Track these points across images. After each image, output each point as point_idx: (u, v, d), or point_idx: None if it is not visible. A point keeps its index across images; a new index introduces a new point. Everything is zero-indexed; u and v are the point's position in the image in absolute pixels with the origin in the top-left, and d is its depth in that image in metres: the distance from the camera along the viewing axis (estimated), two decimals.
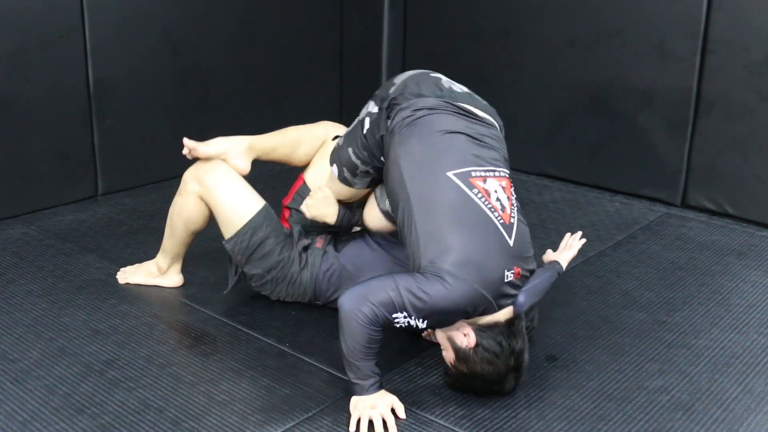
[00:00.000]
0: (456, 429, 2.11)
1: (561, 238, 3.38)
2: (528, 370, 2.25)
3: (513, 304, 2.18)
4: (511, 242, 2.16)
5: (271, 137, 2.77)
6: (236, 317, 2.65)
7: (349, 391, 2.16)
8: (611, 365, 2.43)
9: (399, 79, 2.47)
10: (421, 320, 2.07)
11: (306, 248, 2.61)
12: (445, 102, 2.34)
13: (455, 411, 2.18)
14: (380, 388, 2.14)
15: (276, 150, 2.76)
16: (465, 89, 2.49)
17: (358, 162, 2.43)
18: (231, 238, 2.57)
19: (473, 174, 2.19)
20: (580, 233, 2.63)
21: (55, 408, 2.16)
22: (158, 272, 2.85)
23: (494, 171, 2.24)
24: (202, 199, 2.62)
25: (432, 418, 2.15)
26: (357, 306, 2.04)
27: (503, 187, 2.24)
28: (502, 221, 2.17)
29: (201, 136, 2.75)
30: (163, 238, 2.79)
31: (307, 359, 2.42)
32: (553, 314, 2.69)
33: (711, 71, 3.59)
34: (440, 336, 2.23)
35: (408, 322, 2.07)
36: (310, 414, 2.15)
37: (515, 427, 2.12)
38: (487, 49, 4.27)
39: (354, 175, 2.47)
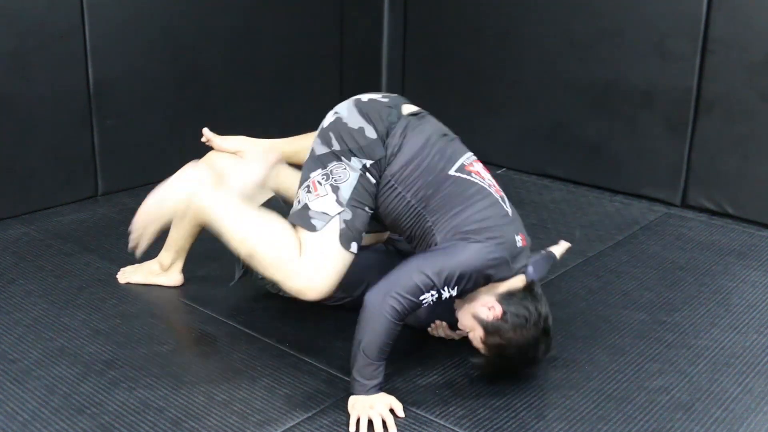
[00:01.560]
0: (456, 429, 2.11)
1: (561, 238, 3.38)
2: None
3: (524, 272, 2.25)
4: (510, 212, 2.29)
5: (292, 141, 2.77)
6: (236, 317, 2.65)
7: (349, 390, 2.16)
8: (611, 365, 2.43)
9: (349, 125, 2.28)
10: (451, 288, 2.13)
11: None
12: (405, 119, 2.31)
13: (455, 411, 2.18)
14: (379, 391, 2.15)
15: (298, 154, 2.74)
16: (383, 95, 2.42)
17: (365, 221, 2.28)
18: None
19: (465, 163, 2.32)
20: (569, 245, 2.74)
21: (55, 408, 2.16)
22: (160, 270, 2.85)
23: (471, 156, 2.37)
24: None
25: (432, 418, 2.15)
26: (384, 300, 2.09)
27: (483, 168, 2.39)
28: (499, 195, 2.32)
29: (201, 136, 2.75)
30: (169, 232, 2.78)
31: (307, 359, 2.42)
32: (553, 314, 2.68)
33: (711, 71, 3.59)
34: (465, 318, 2.25)
35: (435, 298, 2.13)
36: (310, 414, 2.15)
37: (515, 427, 2.12)
38: (487, 49, 4.28)
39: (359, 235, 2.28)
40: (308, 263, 2.19)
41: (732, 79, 3.53)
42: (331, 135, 2.27)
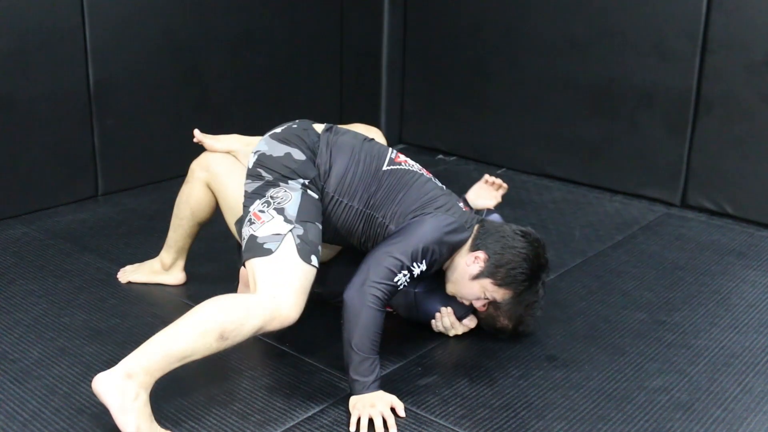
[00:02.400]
0: (456, 429, 2.11)
1: (561, 238, 3.40)
2: (528, 368, 2.38)
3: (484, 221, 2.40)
4: (444, 187, 2.42)
5: None
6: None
7: (349, 391, 2.16)
8: (611, 365, 2.43)
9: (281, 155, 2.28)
10: (420, 263, 2.21)
11: None
12: (324, 135, 2.35)
13: (455, 411, 2.18)
14: (379, 387, 2.15)
15: None
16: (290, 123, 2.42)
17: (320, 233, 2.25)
18: (239, 220, 2.57)
19: (392, 157, 2.39)
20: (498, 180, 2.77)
21: (55, 408, 2.16)
22: (161, 269, 2.85)
23: (394, 150, 2.44)
24: (208, 186, 2.64)
25: (432, 418, 2.15)
26: (362, 291, 2.14)
27: (407, 158, 2.46)
28: (429, 175, 2.43)
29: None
30: (168, 232, 2.79)
31: (307, 359, 2.42)
32: (553, 314, 2.69)
33: (711, 71, 3.59)
34: (465, 288, 2.34)
35: (408, 277, 2.20)
36: (310, 414, 2.15)
37: (515, 427, 2.12)
38: (487, 49, 4.28)
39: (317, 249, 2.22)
40: (269, 288, 2.07)
41: (732, 79, 3.53)
42: (260, 170, 2.26)
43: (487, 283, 2.30)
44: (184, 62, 3.89)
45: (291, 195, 2.21)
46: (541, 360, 2.44)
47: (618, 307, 2.80)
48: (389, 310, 2.51)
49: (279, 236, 2.13)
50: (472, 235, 2.34)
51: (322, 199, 2.28)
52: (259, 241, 2.13)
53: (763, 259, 3.22)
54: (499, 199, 2.75)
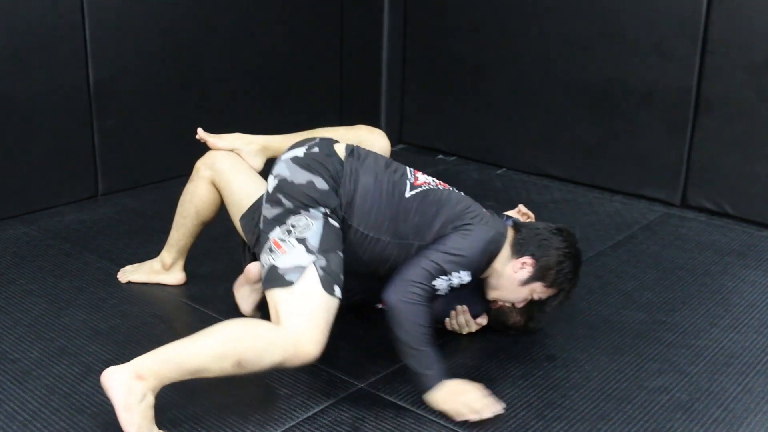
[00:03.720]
0: (456, 429, 2.11)
1: None
2: (528, 368, 2.39)
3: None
4: (463, 194, 2.41)
5: (291, 138, 2.77)
6: (236, 317, 2.65)
7: (420, 389, 2.15)
8: (611, 365, 2.43)
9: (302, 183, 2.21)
10: (467, 274, 2.21)
11: None
12: (347, 163, 2.29)
13: None
14: (447, 375, 2.17)
15: None
16: (310, 143, 2.34)
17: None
18: (243, 216, 2.58)
19: (412, 180, 2.33)
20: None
21: (55, 408, 2.16)
22: (162, 268, 2.85)
23: (410, 169, 2.39)
24: (213, 184, 2.65)
25: (432, 418, 2.15)
26: (403, 291, 2.14)
27: (422, 173, 2.41)
28: (449, 188, 2.40)
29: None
30: (171, 231, 2.78)
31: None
32: (553, 314, 2.69)
33: (711, 71, 3.59)
34: (514, 293, 2.34)
35: (450, 284, 2.20)
36: (310, 414, 2.15)
37: (515, 427, 2.12)
38: (487, 48, 4.28)
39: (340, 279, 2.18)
40: (293, 321, 2.02)
41: (732, 79, 3.53)
42: (280, 196, 2.20)
43: (537, 286, 2.31)
44: (184, 62, 3.90)
45: (312, 224, 2.14)
46: (541, 360, 2.44)
47: (618, 307, 2.80)
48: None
49: (301, 268, 2.08)
50: (509, 241, 2.32)
51: (344, 228, 2.22)
52: (281, 272, 2.09)
53: (763, 259, 3.22)
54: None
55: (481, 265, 2.26)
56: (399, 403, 2.21)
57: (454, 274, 2.19)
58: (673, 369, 2.42)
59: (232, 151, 2.68)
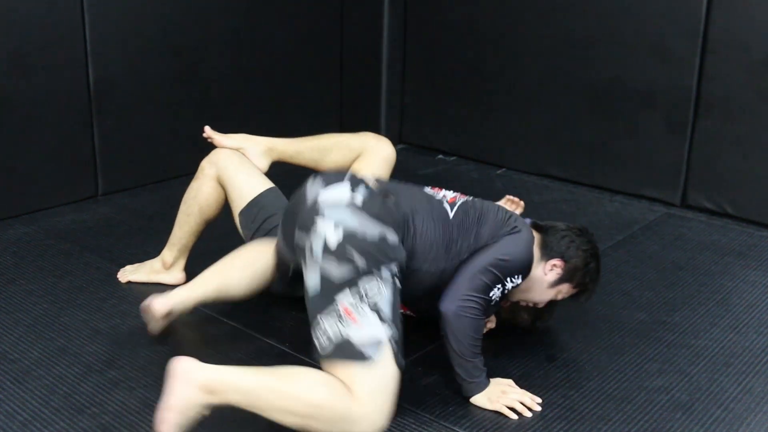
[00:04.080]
0: (456, 429, 2.11)
1: None
2: (528, 368, 2.41)
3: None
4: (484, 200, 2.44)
5: (297, 141, 2.80)
6: (236, 317, 2.65)
7: (465, 394, 2.20)
8: (611, 365, 2.43)
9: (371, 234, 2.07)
10: (516, 277, 2.23)
11: None
12: (403, 208, 2.22)
13: (455, 411, 2.18)
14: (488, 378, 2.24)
15: (301, 154, 2.78)
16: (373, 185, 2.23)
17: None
18: (242, 211, 2.58)
19: (444, 201, 2.31)
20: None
21: (55, 408, 2.16)
22: (162, 267, 2.85)
23: (438, 192, 2.38)
24: (218, 181, 2.66)
25: (432, 418, 2.15)
26: (459, 305, 2.15)
27: (445, 190, 2.42)
28: (472, 198, 2.41)
29: (201, 137, 2.76)
30: (173, 230, 2.79)
31: (307, 359, 2.41)
32: (560, 312, 2.69)
33: (711, 71, 3.59)
34: (543, 294, 2.37)
35: (500, 291, 2.21)
36: None
37: (515, 426, 2.12)
38: (487, 49, 4.28)
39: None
40: (374, 401, 1.90)
41: (732, 79, 3.53)
42: (351, 250, 1.99)
43: (565, 287, 2.35)
44: (184, 62, 3.89)
45: (383, 290, 2.00)
46: (541, 360, 2.44)
47: (618, 307, 2.80)
48: (408, 312, 2.51)
49: (379, 343, 1.94)
50: (537, 243, 2.33)
51: (405, 275, 2.14)
52: (357, 347, 1.92)
53: (763, 259, 3.22)
54: None
55: (530, 267, 2.28)
56: (399, 403, 2.21)
57: (508, 279, 2.21)
58: (673, 369, 2.42)
59: (237, 149, 2.70)
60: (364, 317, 1.95)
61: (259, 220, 2.60)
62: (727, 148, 3.61)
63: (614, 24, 3.82)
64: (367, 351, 1.93)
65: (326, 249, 2.00)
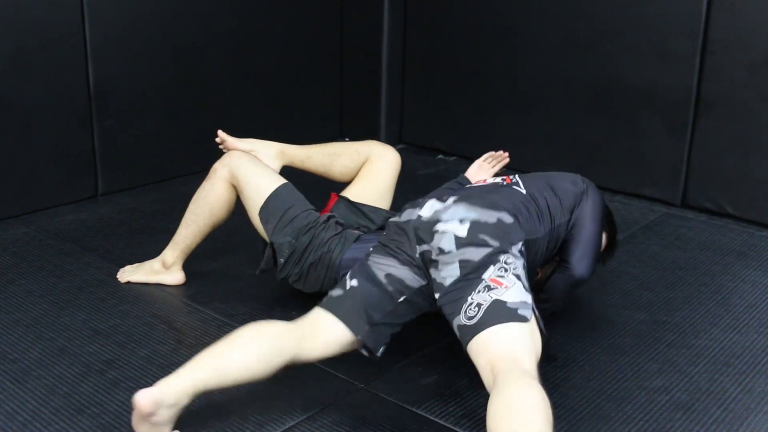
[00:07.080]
0: (456, 429, 2.11)
1: None
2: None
3: None
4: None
5: (307, 147, 2.83)
6: (237, 317, 2.65)
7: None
8: (611, 365, 2.43)
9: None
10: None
11: (340, 225, 2.59)
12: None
13: (455, 411, 2.18)
14: None
15: (311, 158, 2.82)
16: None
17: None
18: (262, 207, 2.59)
19: (505, 182, 2.47)
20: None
21: (55, 408, 2.16)
22: (162, 268, 2.85)
23: (497, 178, 2.54)
24: (230, 183, 2.66)
25: (432, 418, 2.15)
26: (591, 266, 2.54)
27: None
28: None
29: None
30: (178, 229, 2.78)
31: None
32: (553, 314, 2.69)
33: (711, 71, 3.59)
34: None
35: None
36: (310, 414, 2.16)
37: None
38: (487, 49, 4.28)
39: None
40: (532, 362, 1.95)
41: (732, 79, 3.53)
42: (483, 236, 2.10)
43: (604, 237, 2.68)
44: (184, 62, 3.90)
45: (518, 263, 2.10)
46: (541, 360, 2.44)
47: (618, 307, 2.80)
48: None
49: (528, 305, 2.01)
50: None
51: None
52: (511, 306, 1.98)
53: (763, 259, 3.22)
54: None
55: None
56: (399, 403, 2.21)
57: (604, 235, 2.58)
58: (673, 369, 2.42)
59: (249, 152, 2.72)
60: (511, 283, 2.03)
61: (279, 212, 2.57)
62: (727, 148, 3.61)
63: (614, 24, 3.82)
64: (521, 311, 1.98)
65: (459, 241, 2.09)
